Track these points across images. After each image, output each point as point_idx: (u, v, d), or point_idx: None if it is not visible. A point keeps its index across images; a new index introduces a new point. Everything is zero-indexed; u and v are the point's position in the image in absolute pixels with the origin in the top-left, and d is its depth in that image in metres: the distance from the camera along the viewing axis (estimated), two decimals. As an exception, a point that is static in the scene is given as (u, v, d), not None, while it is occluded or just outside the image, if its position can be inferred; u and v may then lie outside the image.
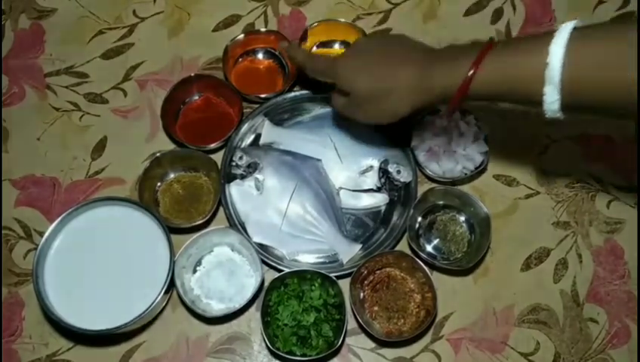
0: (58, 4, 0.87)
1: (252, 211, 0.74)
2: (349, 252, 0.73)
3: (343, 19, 0.83)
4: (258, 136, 0.78)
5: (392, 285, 0.71)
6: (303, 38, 0.81)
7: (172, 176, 0.76)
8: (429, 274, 0.68)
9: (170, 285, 0.67)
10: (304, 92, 0.80)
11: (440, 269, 0.72)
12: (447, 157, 0.75)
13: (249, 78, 0.82)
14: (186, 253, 0.69)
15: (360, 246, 0.73)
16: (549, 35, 0.48)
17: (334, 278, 0.68)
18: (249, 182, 0.75)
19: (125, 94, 0.81)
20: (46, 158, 0.78)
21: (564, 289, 0.73)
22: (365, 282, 0.71)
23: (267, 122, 0.78)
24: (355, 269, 0.69)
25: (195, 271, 0.71)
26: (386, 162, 0.76)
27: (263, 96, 0.78)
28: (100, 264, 0.68)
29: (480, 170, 0.75)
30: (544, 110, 0.50)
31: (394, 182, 0.76)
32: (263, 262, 0.70)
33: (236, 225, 0.73)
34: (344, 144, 0.77)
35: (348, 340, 0.70)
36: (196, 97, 0.80)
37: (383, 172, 0.76)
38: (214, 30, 0.86)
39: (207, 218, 0.72)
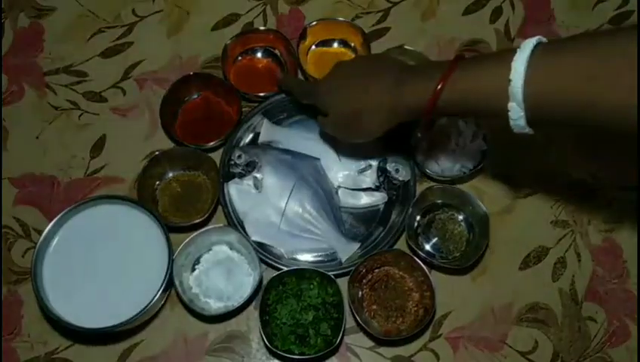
0: (57, 3, 0.87)
1: (251, 210, 0.74)
2: (348, 250, 0.73)
3: (342, 18, 0.83)
4: (257, 135, 0.78)
5: (391, 284, 0.71)
6: (302, 36, 0.81)
7: (171, 174, 0.76)
8: (428, 272, 0.68)
9: (169, 284, 0.67)
10: (303, 91, 0.80)
11: (438, 268, 0.72)
12: (445, 156, 0.75)
13: (248, 76, 0.82)
14: (185, 252, 0.69)
15: (358, 244, 0.73)
16: (513, 51, 0.48)
17: (333, 277, 0.68)
18: (248, 181, 0.75)
19: (124, 93, 0.81)
20: (45, 157, 0.78)
21: (562, 288, 0.73)
22: (364, 281, 0.71)
23: (266, 121, 0.78)
24: (354, 268, 0.69)
25: (193, 270, 0.71)
26: (384, 161, 0.76)
27: (261, 94, 0.78)
28: (98, 262, 0.68)
29: (479, 169, 0.75)
30: (511, 126, 0.50)
31: (393, 180, 0.76)
32: (262, 260, 0.70)
33: (235, 223, 0.73)
34: (343, 143, 0.77)
35: (346, 339, 0.70)
36: (195, 96, 0.80)
37: (382, 171, 0.76)
38: (213, 29, 0.86)
39: (205, 217, 0.72)
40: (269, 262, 0.71)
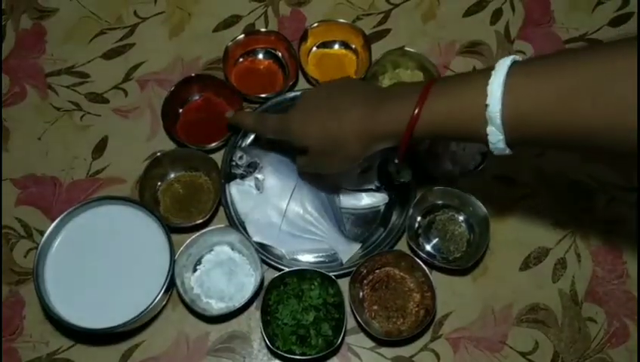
0: (59, 4, 0.87)
1: (252, 210, 0.74)
2: (349, 251, 0.73)
3: (343, 20, 0.83)
4: (258, 136, 0.78)
5: (392, 284, 0.71)
6: (303, 38, 0.81)
7: (172, 175, 0.76)
8: (428, 273, 0.68)
9: (170, 284, 0.67)
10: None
11: (439, 269, 0.73)
12: (446, 157, 0.76)
13: (249, 78, 0.82)
14: (186, 252, 0.69)
15: (359, 245, 0.74)
16: (488, 73, 0.46)
17: (334, 277, 0.68)
18: (249, 182, 0.75)
19: (126, 94, 0.82)
20: (47, 158, 0.78)
21: (562, 289, 0.73)
22: (365, 281, 0.72)
23: (267, 122, 0.78)
24: (355, 268, 0.69)
25: (195, 271, 0.71)
26: (385, 162, 0.76)
27: (263, 96, 0.78)
28: (100, 263, 0.68)
29: (479, 170, 0.75)
30: (490, 149, 0.49)
31: (393, 181, 0.76)
32: (263, 261, 0.70)
33: (236, 224, 0.73)
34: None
35: (347, 339, 0.70)
36: (197, 97, 0.80)
37: (383, 172, 0.76)
38: (215, 30, 0.86)
39: (207, 217, 0.72)
40: (270, 262, 0.71)
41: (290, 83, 0.80)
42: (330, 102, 0.59)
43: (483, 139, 0.48)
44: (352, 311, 0.68)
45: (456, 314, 0.72)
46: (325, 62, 0.84)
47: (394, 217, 0.75)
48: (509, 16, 0.88)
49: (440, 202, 0.75)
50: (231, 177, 0.76)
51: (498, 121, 0.46)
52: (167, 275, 0.66)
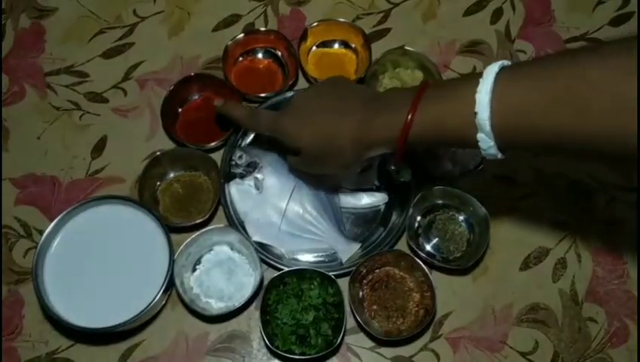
0: (59, 4, 0.87)
1: (251, 210, 0.74)
2: (348, 251, 0.73)
3: (342, 19, 0.83)
4: (258, 136, 0.78)
5: (391, 284, 0.71)
6: (303, 37, 0.81)
7: (172, 175, 0.76)
8: (428, 273, 0.68)
9: (170, 284, 0.67)
10: (304, 91, 0.80)
11: (439, 268, 0.73)
12: (446, 157, 0.75)
13: (249, 77, 0.82)
14: (186, 252, 0.69)
15: (359, 245, 0.73)
16: (477, 80, 0.47)
17: (333, 277, 0.68)
18: (248, 182, 0.75)
19: (125, 93, 0.82)
20: (46, 157, 0.78)
21: (563, 289, 0.73)
22: (364, 281, 0.72)
23: (267, 121, 0.78)
24: (355, 268, 0.69)
25: (194, 270, 0.71)
26: (385, 161, 0.76)
27: (262, 95, 0.78)
28: (99, 262, 0.68)
29: (479, 170, 0.75)
30: (483, 154, 0.49)
31: (393, 181, 0.76)
32: (263, 260, 0.70)
33: (235, 224, 0.73)
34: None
35: (347, 339, 0.70)
36: (196, 97, 0.80)
37: (383, 171, 0.76)
38: (214, 30, 0.86)
39: (206, 217, 0.72)
40: (270, 262, 0.71)
41: (290, 82, 0.80)
42: (327, 105, 0.59)
43: (475, 145, 0.49)
44: (352, 310, 0.67)
45: (456, 314, 0.71)
46: (325, 61, 0.84)
47: (394, 217, 0.75)
48: (509, 16, 0.88)
49: (440, 202, 0.75)
50: (230, 177, 0.76)
51: (487, 128, 0.46)
52: (167, 275, 0.66)
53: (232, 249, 0.72)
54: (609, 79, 0.40)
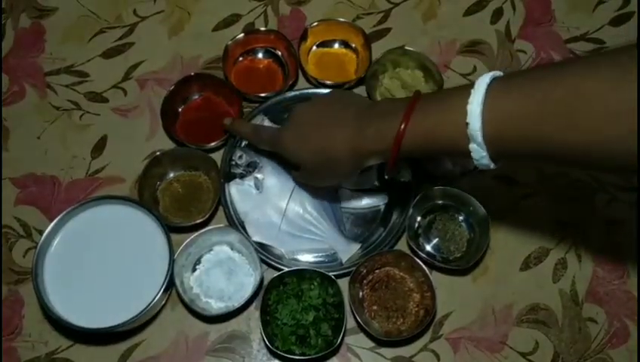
0: (59, 3, 0.87)
1: (251, 210, 0.74)
2: (349, 251, 0.73)
3: (343, 19, 0.83)
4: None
5: (392, 284, 0.71)
6: (303, 37, 0.81)
7: (172, 175, 0.76)
8: (428, 273, 0.68)
9: (170, 284, 0.67)
10: (304, 91, 0.80)
11: (439, 269, 0.72)
12: (446, 157, 0.75)
13: (249, 77, 0.82)
14: (186, 252, 0.69)
15: (359, 245, 0.73)
16: (468, 90, 0.47)
17: (333, 277, 0.68)
18: (248, 182, 0.75)
19: (125, 93, 0.82)
20: (46, 157, 0.78)
21: (563, 289, 0.73)
22: (364, 281, 0.71)
23: (267, 121, 0.78)
24: (355, 268, 0.69)
25: (194, 270, 0.71)
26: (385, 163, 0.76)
27: (262, 95, 0.78)
28: (99, 262, 0.68)
29: (479, 170, 0.75)
30: (475, 164, 0.50)
31: (393, 181, 0.76)
32: (263, 261, 0.70)
33: (235, 224, 0.73)
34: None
35: (347, 339, 0.70)
36: (196, 96, 0.80)
37: (383, 171, 0.76)
38: (214, 30, 0.86)
39: (206, 217, 0.72)
40: (270, 262, 0.71)
41: (290, 82, 0.80)
42: (322, 119, 0.60)
43: (467, 155, 0.49)
44: (352, 311, 0.67)
45: (456, 314, 0.71)
46: (325, 61, 0.83)
47: (394, 217, 0.75)
48: (509, 16, 0.88)
49: (440, 202, 0.75)
50: (230, 177, 0.75)
51: (479, 138, 0.47)
52: (167, 275, 0.66)
53: (232, 249, 0.72)
54: (601, 91, 0.41)
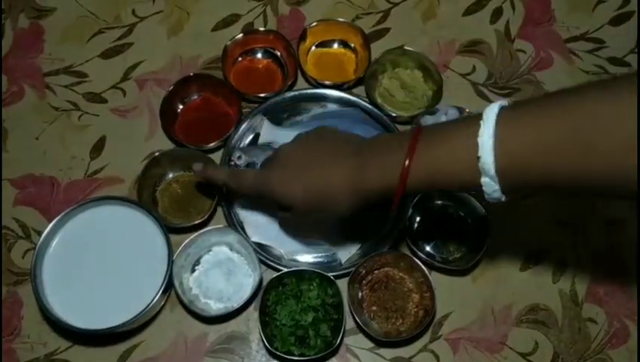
0: (57, 4, 0.87)
1: (250, 211, 0.74)
2: (348, 251, 0.73)
3: (342, 19, 0.83)
4: (257, 136, 0.78)
5: (391, 285, 0.71)
6: (302, 37, 0.81)
7: (171, 175, 0.76)
8: (428, 273, 0.68)
9: (169, 285, 0.67)
10: (303, 91, 0.80)
11: (438, 269, 0.72)
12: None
13: (248, 77, 0.82)
14: (185, 253, 0.69)
15: (358, 245, 0.73)
16: (477, 122, 0.45)
17: (332, 278, 0.68)
18: (248, 182, 0.74)
19: (124, 94, 0.81)
20: (45, 158, 0.78)
21: (562, 289, 0.73)
22: (364, 282, 0.71)
23: (266, 121, 0.78)
24: (354, 269, 0.68)
25: (193, 271, 0.71)
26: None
27: (262, 95, 0.78)
28: (98, 263, 0.68)
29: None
30: (486, 198, 0.48)
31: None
32: (262, 261, 0.70)
33: (235, 224, 0.73)
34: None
35: (346, 340, 0.70)
36: (195, 97, 0.80)
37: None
38: (214, 30, 0.86)
39: (205, 217, 0.72)
40: (269, 263, 0.71)
41: (289, 82, 0.79)
42: (312, 158, 0.57)
43: (478, 189, 0.47)
44: (351, 311, 0.67)
45: (455, 315, 0.71)
46: (324, 61, 0.83)
47: (393, 217, 0.75)
48: (509, 15, 0.87)
49: (439, 202, 0.75)
50: (229, 177, 0.75)
51: (492, 171, 0.45)
52: (166, 276, 0.66)
53: (231, 249, 0.72)
54: (620, 116, 0.39)
